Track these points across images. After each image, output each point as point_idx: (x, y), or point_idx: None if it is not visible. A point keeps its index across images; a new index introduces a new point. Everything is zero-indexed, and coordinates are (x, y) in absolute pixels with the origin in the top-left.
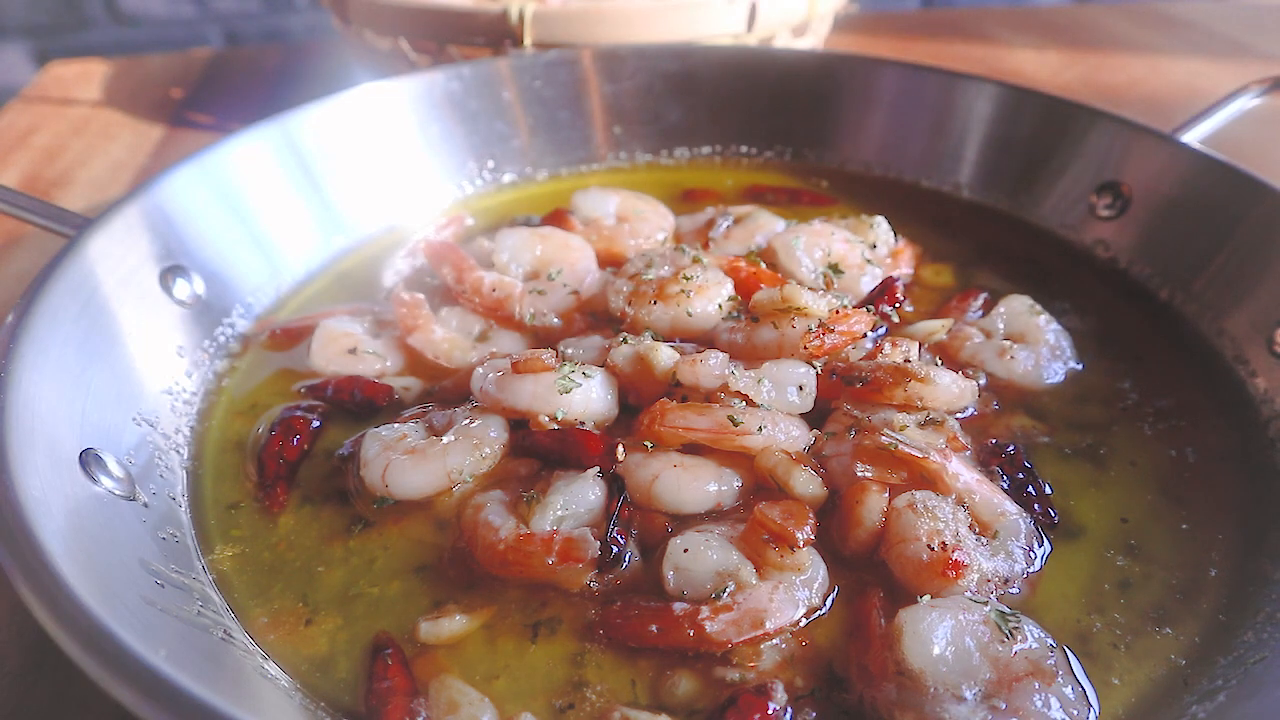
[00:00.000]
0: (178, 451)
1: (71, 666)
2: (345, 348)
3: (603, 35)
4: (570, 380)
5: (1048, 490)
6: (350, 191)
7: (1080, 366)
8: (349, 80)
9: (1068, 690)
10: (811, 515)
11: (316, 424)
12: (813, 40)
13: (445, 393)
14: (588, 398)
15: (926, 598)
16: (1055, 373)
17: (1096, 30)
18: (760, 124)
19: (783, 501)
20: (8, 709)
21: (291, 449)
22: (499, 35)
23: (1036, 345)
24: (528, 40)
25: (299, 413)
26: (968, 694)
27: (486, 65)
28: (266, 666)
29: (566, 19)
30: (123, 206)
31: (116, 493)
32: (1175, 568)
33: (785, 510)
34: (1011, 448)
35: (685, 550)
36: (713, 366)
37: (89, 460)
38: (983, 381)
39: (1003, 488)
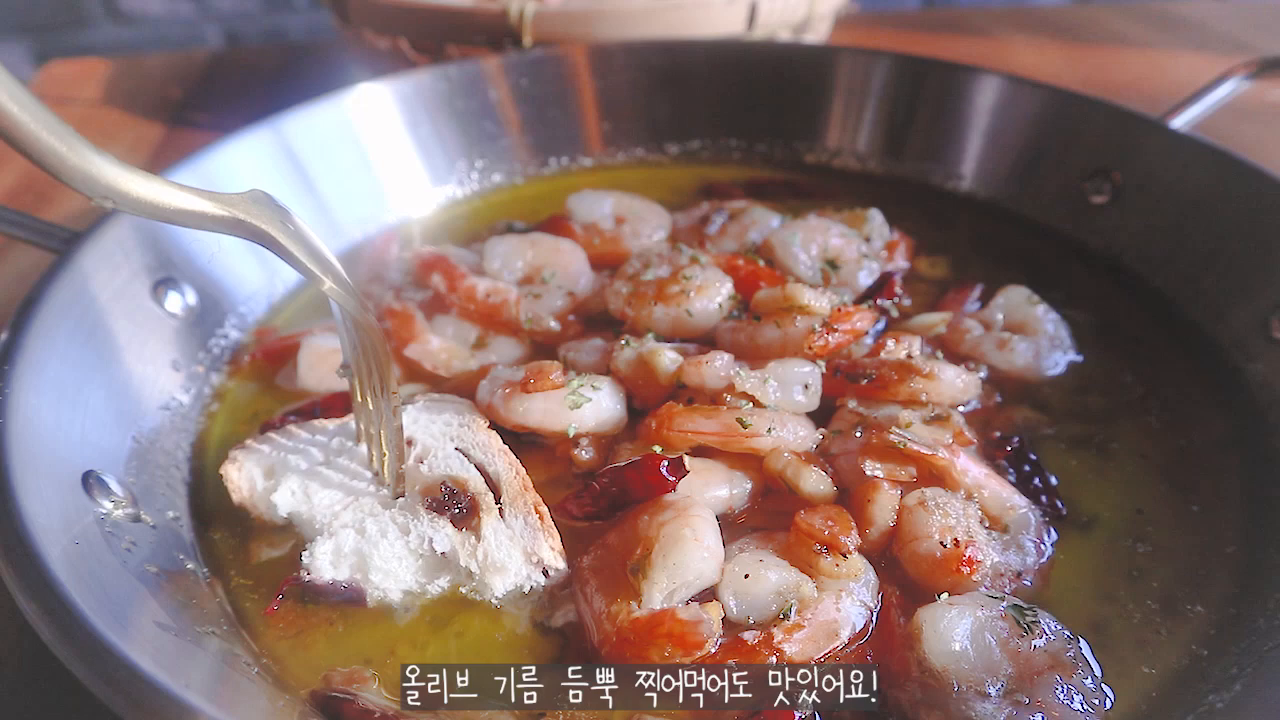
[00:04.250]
0: (178, 468)
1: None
2: (336, 364)
3: (603, 34)
4: (580, 396)
5: (1054, 482)
6: (341, 194)
7: (1080, 358)
8: (349, 80)
9: (1087, 682)
10: (851, 519)
11: None
12: (813, 39)
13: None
14: (598, 409)
15: (945, 595)
16: (1056, 363)
17: (1098, 29)
18: (751, 117)
19: (821, 508)
20: (8, 712)
21: None
22: (499, 35)
23: (1036, 336)
24: (527, 40)
25: None
26: (991, 690)
27: (473, 65)
28: (281, 690)
29: (567, 19)
30: (112, 219)
31: (120, 514)
32: (1184, 556)
33: (827, 517)
34: (1016, 440)
35: (746, 576)
36: (718, 368)
37: (91, 483)
38: (984, 374)
39: (1010, 481)
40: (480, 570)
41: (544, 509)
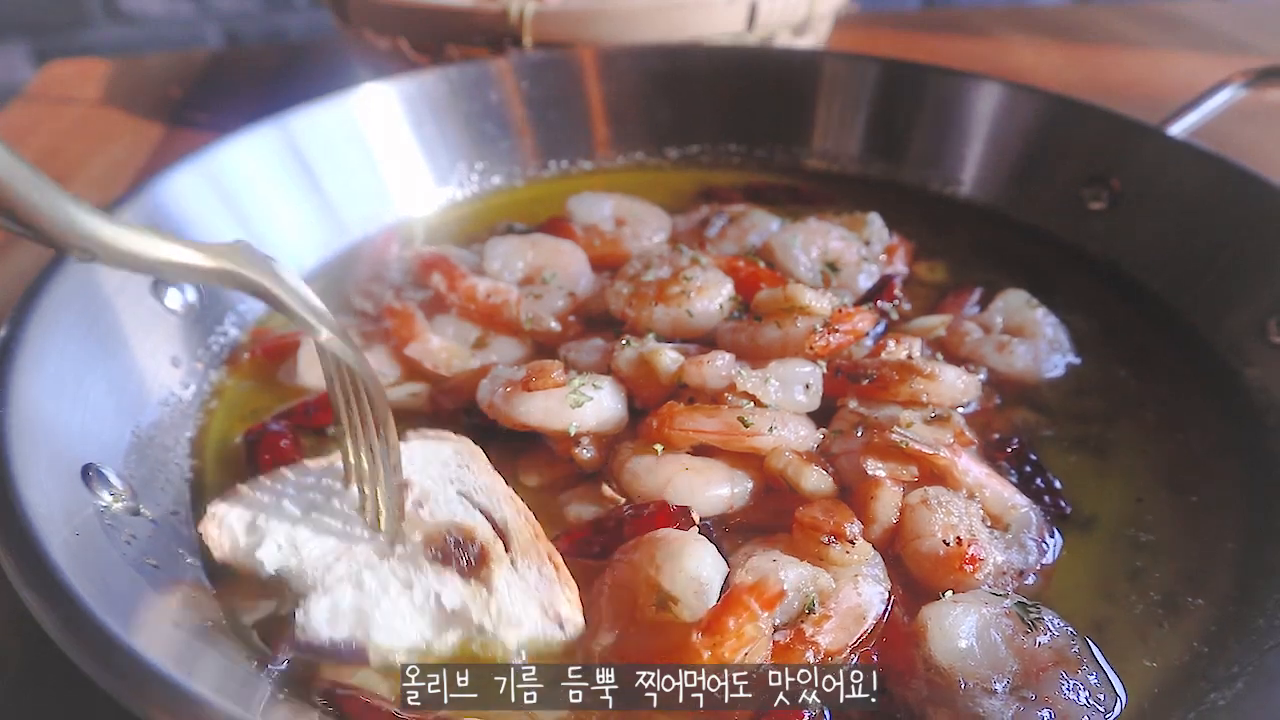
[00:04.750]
0: (178, 464)
1: (71, 670)
2: None
3: (603, 35)
4: (581, 395)
5: (1056, 483)
6: (346, 192)
7: (1079, 360)
8: (349, 80)
9: (1092, 678)
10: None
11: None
12: (813, 39)
13: (446, 397)
14: (600, 408)
15: (949, 593)
16: (1054, 366)
17: (1098, 29)
18: (752, 122)
19: (817, 502)
20: (8, 712)
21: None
22: (499, 35)
23: (1035, 339)
24: (527, 40)
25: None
26: (997, 686)
27: (474, 67)
28: (282, 683)
29: (566, 19)
30: (115, 214)
31: (119, 506)
32: (1184, 557)
33: (825, 509)
34: (1016, 442)
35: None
36: (719, 367)
37: (91, 476)
38: (983, 376)
39: (1011, 481)
40: (494, 625)
41: (559, 558)
